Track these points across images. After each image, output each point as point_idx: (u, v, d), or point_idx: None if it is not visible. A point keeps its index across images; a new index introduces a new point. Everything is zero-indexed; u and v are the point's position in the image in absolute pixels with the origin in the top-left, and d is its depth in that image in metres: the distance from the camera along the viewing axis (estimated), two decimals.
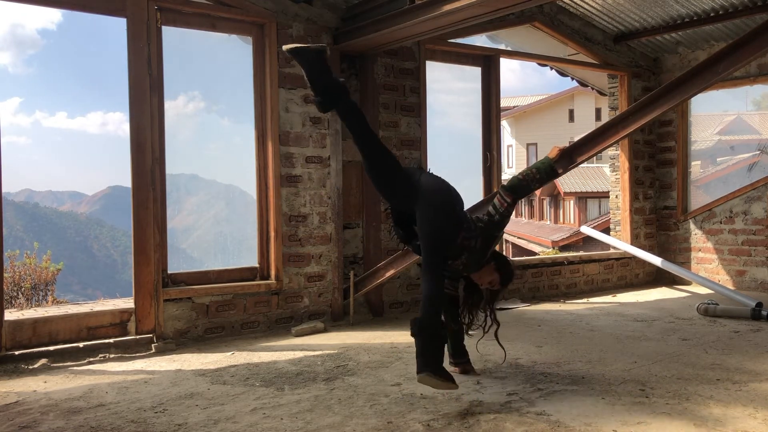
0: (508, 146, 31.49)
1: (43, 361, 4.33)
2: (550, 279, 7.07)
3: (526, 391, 3.53)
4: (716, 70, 4.12)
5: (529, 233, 24.46)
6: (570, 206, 24.26)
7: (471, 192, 6.60)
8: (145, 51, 4.81)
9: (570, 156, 4.45)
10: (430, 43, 6.16)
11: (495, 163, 6.68)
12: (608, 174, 8.31)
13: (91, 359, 4.46)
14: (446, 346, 3.55)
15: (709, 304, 5.77)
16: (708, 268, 7.52)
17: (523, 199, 4.86)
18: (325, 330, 5.30)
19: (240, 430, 3.04)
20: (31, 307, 6.24)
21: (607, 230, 8.39)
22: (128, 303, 4.94)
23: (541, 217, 26.71)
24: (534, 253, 18.84)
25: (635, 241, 7.77)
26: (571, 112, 31.27)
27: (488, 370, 3.99)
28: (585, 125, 26.95)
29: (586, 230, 9.14)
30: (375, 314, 5.88)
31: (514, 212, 4.37)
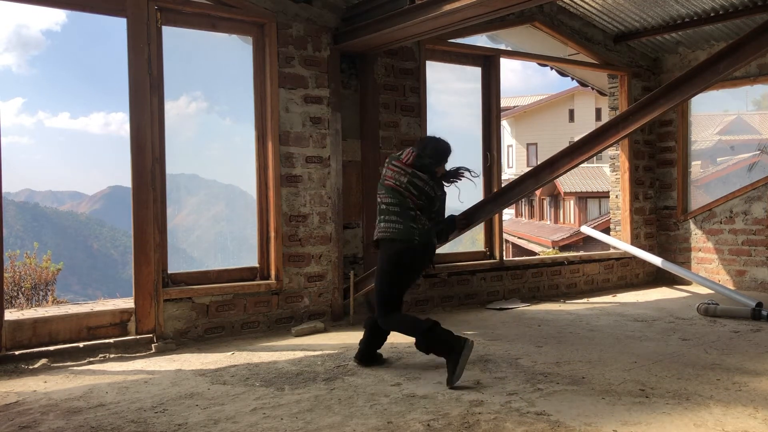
0: (509, 146, 31.48)
1: (43, 361, 4.33)
2: (551, 279, 7.07)
3: (526, 391, 3.53)
4: (716, 70, 4.11)
5: (529, 233, 24.45)
6: (570, 206, 24.25)
7: (471, 192, 6.59)
8: (145, 51, 4.81)
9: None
10: (430, 43, 6.16)
11: (495, 163, 6.68)
12: (608, 174, 8.31)
13: (91, 359, 4.46)
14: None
15: (709, 304, 5.77)
16: (708, 268, 7.52)
17: (523, 199, 4.90)
18: (325, 330, 5.30)
19: (240, 430, 3.04)
20: (31, 307, 6.23)
21: (607, 230, 8.38)
22: (128, 303, 4.94)
23: (542, 217, 26.69)
24: (534, 253, 18.83)
25: (635, 241, 7.76)
26: (572, 112, 31.27)
27: (488, 369, 3.99)
28: (585, 125, 26.96)
29: (586, 230, 9.14)
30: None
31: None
